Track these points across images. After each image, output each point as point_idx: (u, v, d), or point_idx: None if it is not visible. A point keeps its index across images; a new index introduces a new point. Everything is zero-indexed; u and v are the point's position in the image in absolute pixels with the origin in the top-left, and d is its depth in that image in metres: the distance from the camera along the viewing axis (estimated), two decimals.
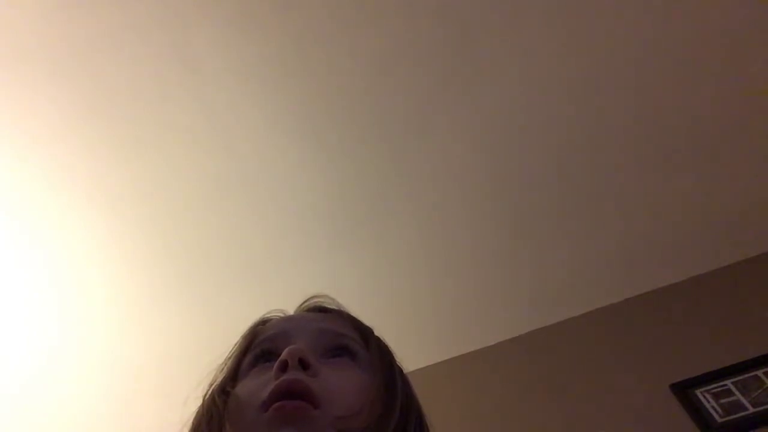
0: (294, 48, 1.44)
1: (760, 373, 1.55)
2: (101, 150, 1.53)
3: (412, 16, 1.42)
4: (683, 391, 1.58)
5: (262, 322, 0.62)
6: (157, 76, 1.45)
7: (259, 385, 0.50)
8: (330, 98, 1.52)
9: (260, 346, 0.56)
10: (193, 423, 0.54)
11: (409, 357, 0.63)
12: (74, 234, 1.64)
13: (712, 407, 1.53)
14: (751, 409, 1.50)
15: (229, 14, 1.38)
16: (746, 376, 1.56)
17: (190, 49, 1.42)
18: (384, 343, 0.61)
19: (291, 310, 0.65)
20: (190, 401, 0.56)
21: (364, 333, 0.60)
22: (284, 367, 0.49)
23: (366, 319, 0.62)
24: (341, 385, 0.50)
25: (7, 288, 1.71)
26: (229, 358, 0.59)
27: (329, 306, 0.64)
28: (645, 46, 1.49)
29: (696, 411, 1.53)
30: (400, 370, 0.59)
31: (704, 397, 1.56)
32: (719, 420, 1.50)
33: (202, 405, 0.54)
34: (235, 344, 0.60)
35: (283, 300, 0.68)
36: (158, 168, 1.58)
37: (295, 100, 1.51)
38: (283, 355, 0.49)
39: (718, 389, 1.56)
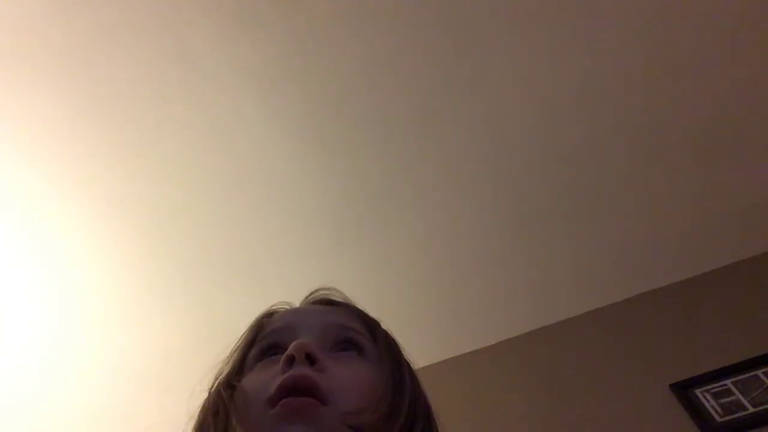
0: (294, 47, 1.44)
1: (760, 373, 1.55)
2: (101, 150, 1.53)
3: (414, 15, 1.42)
4: (683, 391, 1.58)
5: (268, 315, 0.61)
6: (157, 76, 1.45)
7: (266, 379, 0.49)
8: (331, 97, 1.52)
9: (266, 339, 0.56)
10: (199, 416, 0.53)
11: (410, 356, 0.62)
12: (74, 234, 1.64)
13: (712, 407, 1.53)
14: (751, 409, 1.50)
15: (229, 13, 1.38)
16: (746, 376, 1.56)
17: (190, 49, 1.42)
18: (391, 337, 0.61)
19: (296, 304, 0.64)
20: (195, 394, 0.55)
21: (371, 326, 0.59)
22: (291, 362, 0.48)
23: None
24: (349, 380, 0.49)
25: (7, 288, 1.71)
26: (235, 350, 0.58)
27: (336, 299, 0.64)
28: (647, 47, 1.49)
29: (696, 411, 1.53)
30: (408, 364, 0.58)
31: (704, 396, 1.56)
32: (719, 420, 1.50)
33: (208, 398, 0.54)
34: (241, 336, 0.59)
35: (284, 299, 0.67)
36: (158, 168, 1.58)
37: (295, 99, 1.51)
38: (290, 349, 0.49)
39: (718, 389, 1.56)
